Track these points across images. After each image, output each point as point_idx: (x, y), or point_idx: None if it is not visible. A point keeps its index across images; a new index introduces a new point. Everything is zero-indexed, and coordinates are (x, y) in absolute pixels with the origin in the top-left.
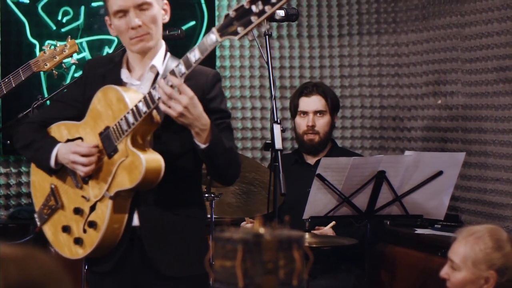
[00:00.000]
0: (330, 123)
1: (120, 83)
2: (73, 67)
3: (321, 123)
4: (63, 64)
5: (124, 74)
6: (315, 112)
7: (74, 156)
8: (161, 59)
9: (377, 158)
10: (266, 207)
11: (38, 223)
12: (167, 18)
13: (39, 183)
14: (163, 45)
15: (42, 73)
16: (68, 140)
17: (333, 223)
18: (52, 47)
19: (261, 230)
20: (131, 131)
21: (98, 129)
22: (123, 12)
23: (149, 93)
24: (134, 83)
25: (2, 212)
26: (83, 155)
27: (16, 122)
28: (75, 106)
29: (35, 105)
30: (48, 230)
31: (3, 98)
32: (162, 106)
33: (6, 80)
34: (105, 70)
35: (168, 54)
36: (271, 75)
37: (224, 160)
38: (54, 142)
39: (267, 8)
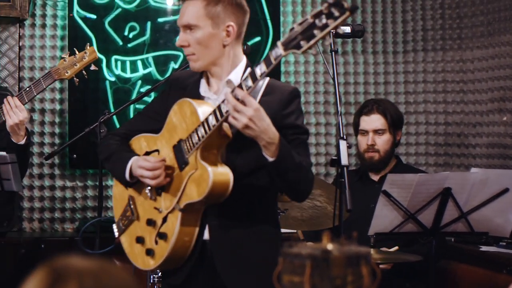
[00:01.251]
0: (390, 141)
1: (198, 96)
2: (139, 81)
3: (381, 141)
4: (83, 71)
5: (203, 88)
6: (375, 131)
7: (141, 170)
8: (239, 73)
9: (443, 175)
10: (331, 222)
11: (116, 234)
12: (229, 40)
13: (120, 194)
14: (242, 60)
15: (109, 88)
16: (146, 153)
17: (396, 248)
18: (72, 54)
19: (329, 246)
20: (201, 144)
21: (173, 142)
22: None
23: (219, 107)
24: (212, 97)
25: (68, 226)
26: (149, 170)
27: (83, 137)
28: (157, 119)
29: (102, 119)
30: (125, 241)
31: (70, 112)
32: (229, 118)
33: (28, 89)
34: (187, 83)
35: (249, 69)
36: (337, 91)
37: (294, 175)
38: (130, 155)
39: (329, 22)
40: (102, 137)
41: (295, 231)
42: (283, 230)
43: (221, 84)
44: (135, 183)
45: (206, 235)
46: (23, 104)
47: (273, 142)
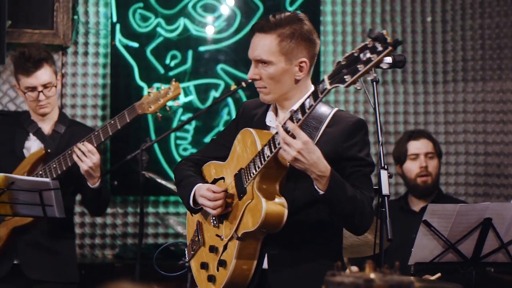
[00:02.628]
0: (439, 167)
1: (264, 126)
2: (180, 109)
3: (432, 165)
4: (167, 107)
5: (269, 118)
6: (426, 154)
7: (203, 199)
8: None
9: (484, 206)
10: (371, 250)
11: (187, 258)
12: (302, 75)
13: (192, 219)
14: (310, 89)
15: (150, 116)
16: (214, 180)
17: (438, 275)
18: (156, 89)
19: (372, 275)
20: (257, 174)
21: (235, 170)
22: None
23: (273, 138)
24: None
25: (108, 252)
26: (210, 200)
27: (124, 164)
28: (227, 146)
29: (144, 147)
30: (194, 265)
31: (112, 140)
32: (281, 150)
33: (112, 121)
34: (256, 112)
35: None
36: (378, 120)
37: (346, 208)
38: (196, 182)
39: (373, 56)
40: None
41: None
42: None
43: (286, 114)
44: (200, 209)
45: (266, 265)
46: (104, 139)
47: (323, 175)
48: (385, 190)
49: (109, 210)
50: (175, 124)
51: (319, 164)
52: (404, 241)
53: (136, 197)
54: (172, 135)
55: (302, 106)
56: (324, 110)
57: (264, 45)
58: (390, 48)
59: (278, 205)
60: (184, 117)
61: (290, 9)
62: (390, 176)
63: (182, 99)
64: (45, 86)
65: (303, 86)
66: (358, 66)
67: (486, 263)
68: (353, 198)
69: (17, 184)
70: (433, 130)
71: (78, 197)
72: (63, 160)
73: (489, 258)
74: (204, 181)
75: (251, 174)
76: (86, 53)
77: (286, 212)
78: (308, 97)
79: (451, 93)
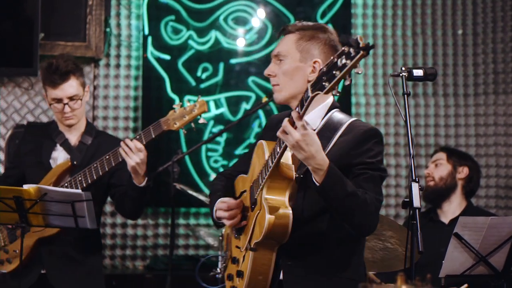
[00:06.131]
0: (447, 173)
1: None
2: (211, 122)
3: (437, 170)
4: (192, 124)
5: None
6: (433, 161)
7: (219, 212)
8: (316, 115)
9: None
10: (402, 264)
11: (220, 271)
12: (313, 76)
13: (227, 232)
14: (327, 101)
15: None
16: (241, 193)
17: (465, 285)
18: (182, 106)
19: (403, 287)
20: (263, 184)
21: (251, 182)
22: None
23: (274, 149)
24: None
25: (138, 263)
26: (225, 211)
27: (156, 176)
28: None
29: (175, 159)
30: (225, 277)
31: None
32: (279, 134)
33: (138, 136)
34: (279, 125)
35: (336, 110)
36: (409, 133)
37: (344, 204)
38: (219, 196)
39: (347, 62)
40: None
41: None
42: None
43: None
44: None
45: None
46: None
47: (320, 168)
48: (416, 202)
49: (140, 221)
50: (206, 136)
51: (316, 156)
52: (434, 253)
53: (167, 208)
54: (203, 147)
55: (295, 112)
56: (340, 119)
57: (284, 42)
58: (362, 52)
59: (283, 217)
60: (215, 129)
61: (320, 21)
62: (421, 189)
63: (213, 111)
64: (71, 98)
65: None
66: (335, 72)
67: None
68: (352, 194)
69: (50, 195)
70: (464, 143)
71: (110, 209)
72: (88, 173)
73: None
74: (234, 195)
75: (259, 185)
76: (118, 66)
77: (290, 223)
78: (297, 106)
79: (482, 105)
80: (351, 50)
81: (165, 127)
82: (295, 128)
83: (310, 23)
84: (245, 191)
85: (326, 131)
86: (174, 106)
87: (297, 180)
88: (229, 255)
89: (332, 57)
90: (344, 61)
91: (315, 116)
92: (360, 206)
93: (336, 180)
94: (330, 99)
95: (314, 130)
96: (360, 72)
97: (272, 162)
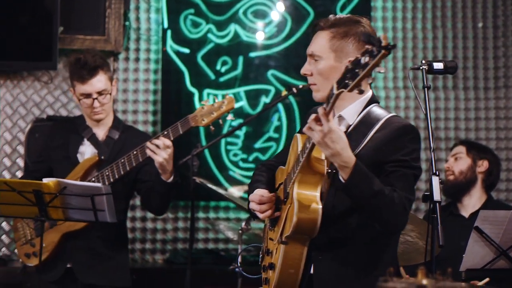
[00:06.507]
0: (467, 167)
1: None
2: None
3: (457, 164)
4: (219, 120)
5: None
6: (453, 155)
7: (252, 204)
8: (353, 110)
9: None
10: (422, 257)
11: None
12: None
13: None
14: (364, 97)
15: None
16: (279, 184)
17: (487, 279)
18: (210, 102)
19: (425, 281)
20: (295, 178)
21: (286, 175)
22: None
23: (305, 143)
24: None
25: (158, 257)
26: (257, 203)
27: (175, 170)
28: None
29: (194, 152)
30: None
31: None
32: (305, 130)
33: (165, 132)
34: None
35: (374, 104)
36: (429, 126)
37: (369, 202)
38: (255, 188)
39: (370, 60)
40: (256, 167)
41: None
42: None
43: (334, 119)
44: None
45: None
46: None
47: (346, 166)
48: (436, 196)
49: (159, 215)
50: (225, 130)
51: (342, 154)
52: (454, 247)
53: (187, 202)
54: (223, 141)
55: (318, 110)
56: (378, 114)
57: (318, 41)
58: (383, 51)
59: (312, 212)
60: (235, 123)
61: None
62: (441, 183)
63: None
64: (99, 93)
65: None
66: (357, 70)
67: None
68: (379, 193)
69: (69, 189)
70: (484, 136)
71: (131, 202)
72: (116, 168)
73: None
74: (274, 186)
75: (291, 178)
76: (137, 59)
77: (319, 218)
78: (325, 103)
79: (502, 99)
80: (374, 48)
81: (193, 123)
82: (321, 125)
83: (344, 17)
84: (282, 183)
85: (362, 126)
86: (202, 102)
87: (329, 175)
88: (265, 246)
89: (357, 55)
90: (367, 59)
91: (353, 111)
92: (387, 204)
93: (362, 178)
94: (369, 93)
95: (350, 125)
96: (382, 71)
97: (303, 157)
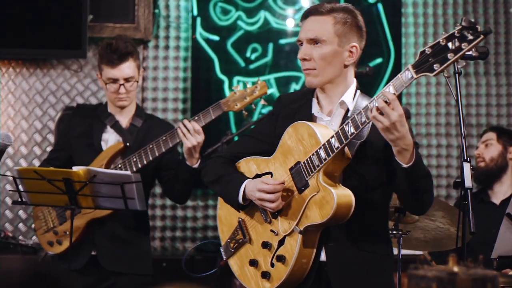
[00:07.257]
0: (498, 153)
1: (311, 117)
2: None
3: (487, 150)
4: (252, 105)
5: (315, 109)
6: (483, 142)
7: (260, 193)
8: (351, 96)
9: None
10: (453, 243)
11: (224, 257)
12: (351, 60)
13: (226, 217)
14: (354, 83)
15: None
16: (257, 175)
17: None
18: (242, 88)
19: (456, 268)
20: (323, 166)
21: (289, 164)
22: (300, 43)
23: (342, 129)
24: (325, 118)
25: (188, 245)
26: (269, 192)
27: (206, 157)
28: (265, 141)
29: (224, 140)
30: (234, 263)
31: None
32: (373, 117)
33: (196, 118)
34: (297, 105)
35: (358, 91)
36: (461, 113)
37: (423, 184)
38: (242, 178)
39: (463, 45)
40: (207, 160)
41: (421, 252)
42: (406, 252)
43: (334, 106)
44: (247, 206)
45: (323, 257)
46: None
47: (408, 149)
48: (468, 183)
49: (189, 203)
50: (255, 117)
51: (406, 137)
52: (485, 234)
53: None
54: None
55: (382, 94)
56: (370, 100)
57: (320, 26)
58: (481, 36)
59: (347, 196)
60: (265, 110)
61: (371, 1)
62: (472, 169)
63: None
64: (127, 80)
65: (349, 74)
66: (448, 54)
67: None
68: (428, 174)
69: (99, 177)
70: None
71: (159, 190)
72: (144, 154)
73: None
74: (246, 177)
75: (315, 166)
76: (167, 47)
77: (353, 201)
78: (389, 85)
79: None
80: (467, 33)
81: (226, 108)
82: (392, 108)
83: (339, 5)
84: (267, 173)
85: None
86: (233, 88)
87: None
88: (249, 240)
89: (439, 39)
90: (458, 44)
91: (348, 99)
92: (431, 184)
93: (419, 160)
94: (355, 82)
95: (349, 110)
96: (447, 76)
97: (341, 143)
